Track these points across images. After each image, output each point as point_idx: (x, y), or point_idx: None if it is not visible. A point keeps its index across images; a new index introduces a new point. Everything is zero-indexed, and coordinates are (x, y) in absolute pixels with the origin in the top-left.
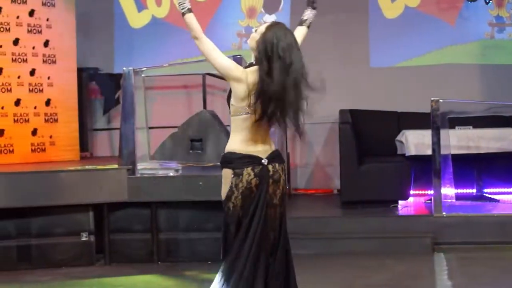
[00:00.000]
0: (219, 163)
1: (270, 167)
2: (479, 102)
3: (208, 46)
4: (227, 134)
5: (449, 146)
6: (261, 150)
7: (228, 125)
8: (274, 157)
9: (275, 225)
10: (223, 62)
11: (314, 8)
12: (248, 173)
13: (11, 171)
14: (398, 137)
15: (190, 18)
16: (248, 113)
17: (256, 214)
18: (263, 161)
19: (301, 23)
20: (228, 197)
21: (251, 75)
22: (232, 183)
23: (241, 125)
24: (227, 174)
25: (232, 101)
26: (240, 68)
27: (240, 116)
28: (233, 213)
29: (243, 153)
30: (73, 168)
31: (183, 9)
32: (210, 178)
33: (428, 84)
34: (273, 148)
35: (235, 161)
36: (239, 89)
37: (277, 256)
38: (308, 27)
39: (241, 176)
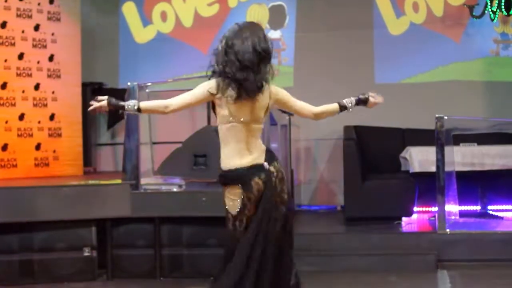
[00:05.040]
0: (221, 181)
1: (272, 168)
2: (483, 119)
3: (179, 102)
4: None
5: (454, 163)
6: (257, 156)
7: None
8: (270, 157)
9: (278, 225)
10: (200, 94)
11: (357, 104)
12: (256, 182)
13: (14, 185)
14: (403, 154)
15: (146, 108)
16: (230, 122)
17: (264, 217)
18: (264, 165)
19: (338, 102)
20: (241, 211)
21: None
22: (243, 198)
23: (228, 133)
24: (235, 191)
25: (216, 112)
26: (211, 84)
27: (226, 125)
28: (246, 226)
29: (246, 166)
30: (76, 183)
31: (133, 108)
32: (214, 193)
33: (433, 100)
34: (265, 148)
35: (241, 176)
36: (218, 101)
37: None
38: (340, 109)
39: (251, 188)
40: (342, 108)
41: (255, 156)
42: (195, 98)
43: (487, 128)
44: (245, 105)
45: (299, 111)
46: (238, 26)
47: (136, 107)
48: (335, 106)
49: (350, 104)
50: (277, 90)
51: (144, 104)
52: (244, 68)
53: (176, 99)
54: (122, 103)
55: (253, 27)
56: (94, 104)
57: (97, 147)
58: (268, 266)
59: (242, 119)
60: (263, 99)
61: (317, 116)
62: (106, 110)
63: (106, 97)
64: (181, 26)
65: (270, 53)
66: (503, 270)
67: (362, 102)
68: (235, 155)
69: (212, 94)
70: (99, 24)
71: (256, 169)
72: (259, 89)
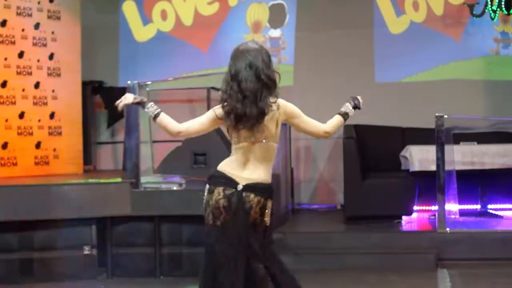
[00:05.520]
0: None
1: (243, 194)
2: (483, 118)
3: (194, 127)
4: (231, 149)
5: (454, 162)
6: (244, 177)
7: None
8: (255, 188)
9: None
10: (208, 121)
11: (355, 108)
12: (218, 192)
13: (14, 184)
14: (403, 153)
15: (161, 121)
16: (240, 142)
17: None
18: (238, 186)
19: (339, 113)
20: (204, 212)
21: None
22: (205, 199)
23: (237, 150)
24: (205, 190)
25: (229, 135)
26: (219, 108)
27: (236, 145)
28: (209, 229)
29: (224, 173)
30: (77, 182)
31: (152, 114)
32: None
33: (433, 99)
34: (264, 179)
35: (213, 178)
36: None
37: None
38: (344, 118)
39: (212, 194)
40: (346, 117)
41: (242, 174)
42: (207, 124)
43: (487, 127)
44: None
45: (309, 129)
46: (241, 51)
47: (153, 115)
48: (340, 118)
49: (349, 110)
50: (285, 103)
51: (161, 117)
52: (245, 98)
53: (189, 126)
54: (145, 100)
55: (257, 51)
56: (121, 103)
57: (97, 146)
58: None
59: (252, 140)
60: (270, 115)
61: (329, 134)
62: (130, 103)
63: (130, 94)
64: (181, 24)
65: (274, 80)
66: (503, 269)
67: (356, 106)
68: (229, 162)
69: (219, 119)
70: (99, 23)
71: (228, 181)
72: (259, 119)
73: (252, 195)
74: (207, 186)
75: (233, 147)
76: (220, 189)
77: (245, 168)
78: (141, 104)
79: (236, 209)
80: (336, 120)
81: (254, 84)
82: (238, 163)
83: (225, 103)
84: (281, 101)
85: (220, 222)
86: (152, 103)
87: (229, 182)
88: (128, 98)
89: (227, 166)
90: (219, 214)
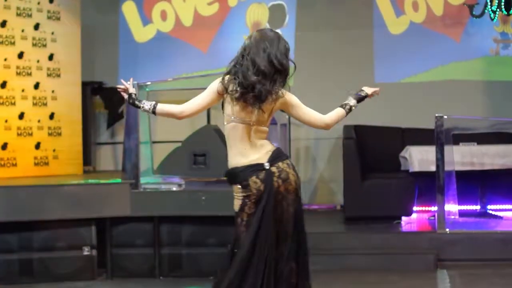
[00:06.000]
0: (227, 181)
1: (274, 168)
2: (483, 118)
3: (195, 103)
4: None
5: (453, 163)
6: (260, 156)
7: None
8: (276, 157)
9: (289, 226)
10: (209, 94)
11: (360, 101)
12: (254, 181)
13: (14, 184)
14: (402, 153)
15: (162, 109)
16: (233, 121)
17: (263, 219)
18: (265, 165)
19: (341, 105)
20: (242, 208)
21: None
22: (244, 196)
23: (232, 133)
24: (236, 189)
25: (224, 110)
26: (219, 79)
27: (229, 124)
28: (247, 223)
29: (244, 165)
30: (76, 182)
31: (149, 109)
32: (213, 193)
33: (432, 100)
34: (273, 148)
35: (239, 175)
36: (225, 98)
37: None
38: (343, 108)
39: (248, 187)
40: (346, 107)
41: (258, 156)
42: (208, 98)
43: (486, 128)
44: (249, 106)
45: (308, 119)
46: (259, 35)
47: (151, 111)
48: (342, 111)
49: (353, 104)
50: (285, 92)
51: (160, 108)
52: (258, 73)
53: (189, 104)
54: (137, 103)
55: (274, 39)
56: (124, 85)
57: (96, 146)
58: (269, 267)
59: (245, 120)
60: (269, 103)
61: (328, 126)
62: (126, 95)
63: (134, 90)
64: (181, 25)
65: (287, 68)
66: (502, 269)
67: (362, 99)
68: (237, 154)
69: (220, 93)
70: (99, 23)
71: (254, 168)
72: (264, 98)
73: (280, 163)
74: (238, 186)
75: (227, 126)
76: (253, 177)
77: (251, 151)
78: (133, 101)
79: (277, 185)
80: (337, 112)
81: (266, 64)
82: (243, 151)
83: (235, 73)
84: (284, 91)
85: (264, 205)
86: (144, 100)
87: (255, 167)
88: (127, 90)
89: (239, 159)
90: (260, 198)
